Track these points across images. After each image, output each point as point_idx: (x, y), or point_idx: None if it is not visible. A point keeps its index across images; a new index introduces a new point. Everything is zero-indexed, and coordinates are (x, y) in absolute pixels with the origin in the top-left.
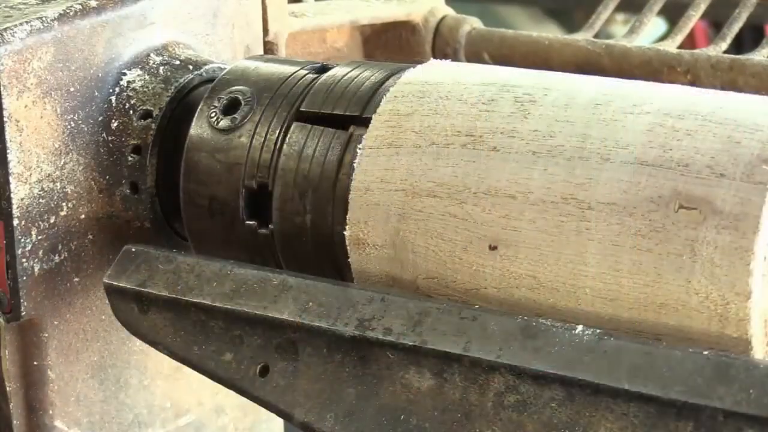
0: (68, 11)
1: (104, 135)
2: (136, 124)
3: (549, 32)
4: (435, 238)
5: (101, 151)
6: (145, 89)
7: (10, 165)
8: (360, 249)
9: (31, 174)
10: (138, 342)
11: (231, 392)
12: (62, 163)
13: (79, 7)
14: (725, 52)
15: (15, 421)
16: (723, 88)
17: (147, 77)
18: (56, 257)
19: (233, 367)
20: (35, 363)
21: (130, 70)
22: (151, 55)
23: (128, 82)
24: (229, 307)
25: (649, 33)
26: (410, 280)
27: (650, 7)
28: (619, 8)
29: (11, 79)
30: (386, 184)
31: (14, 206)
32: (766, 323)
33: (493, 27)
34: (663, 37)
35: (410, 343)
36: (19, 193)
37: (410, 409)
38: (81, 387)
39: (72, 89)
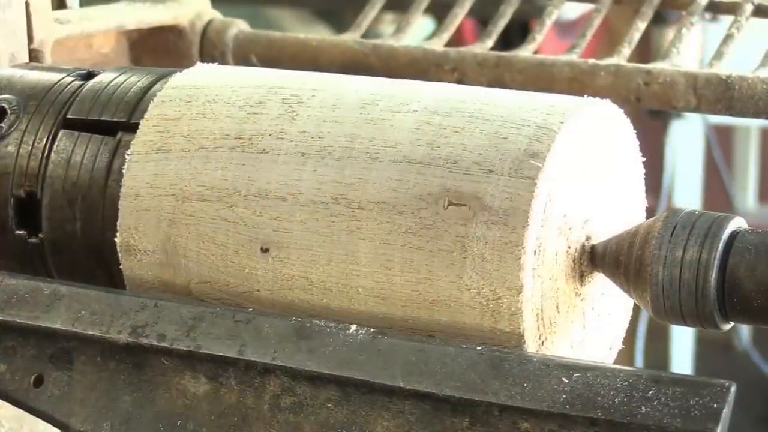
0: None
1: None
2: None
3: (318, 33)
4: (206, 242)
5: None
6: None
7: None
8: (131, 255)
9: None
10: None
11: (6, 404)
12: None
13: None
14: (492, 48)
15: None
16: (490, 85)
17: None
18: None
19: (7, 379)
20: None
21: None
22: None
23: None
24: (1, 318)
25: (416, 32)
26: (183, 285)
27: (417, 6)
28: (387, 8)
29: None
30: (156, 189)
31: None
32: (539, 317)
33: (262, 29)
34: (431, 36)
35: (185, 349)
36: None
37: (187, 415)
38: None
39: None
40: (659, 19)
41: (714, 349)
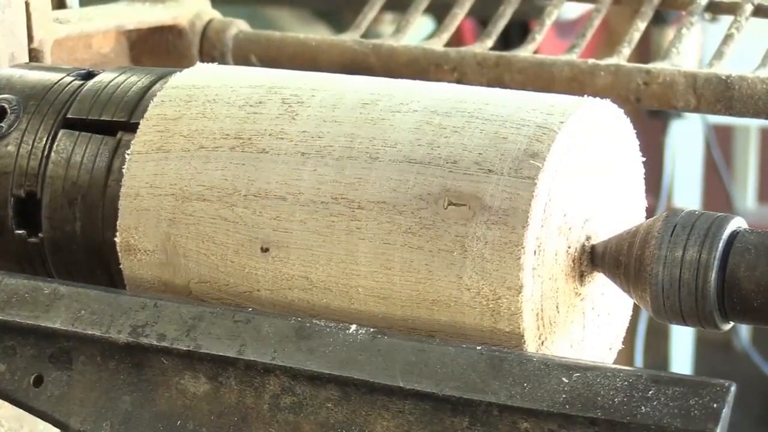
0: None
1: None
2: None
3: (318, 33)
4: (206, 241)
5: None
6: None
7: None
8: (131, 255)
9: None
10: None
11: (6, 403)
12: None
13: None
14: (492, 48)
15: None
16: (490, 85)
17: None
18: None
19: (7, 378)
20: None
21: None
22: None
23: None
24: (1, 317)
25: (416, 32)
26: (183, 284)
27: (416, 6)
28: (386, 8)
29: None
30: (156, 189)
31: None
32: (539, 317)
33: (262, 29)
34: (431, 36)
35: (184, 348)
36: None
37: (187, 415)
38: None
39: None
40: (659, 19)
41: (714, 349)
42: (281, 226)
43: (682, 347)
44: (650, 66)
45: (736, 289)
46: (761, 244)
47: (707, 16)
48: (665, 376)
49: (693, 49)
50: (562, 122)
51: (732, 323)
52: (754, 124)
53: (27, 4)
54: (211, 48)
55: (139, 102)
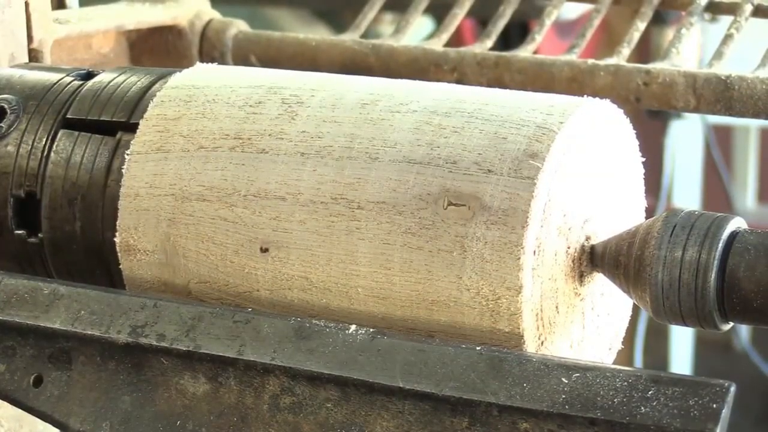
0: None
1: None
2: None
3: (318, 33)
4: (206, 241)
5: None
6: None
7: None
8: (131, 255)
9: None
10: None
11: (5, 403)
12: None
13: None
14: (492, 48)
15: None
16: (489, 85)
17: None
18: None
19: (6, 379)
20: None
21: None
22: None
23: None
24: (1, 318)
25: (416, 32)
26: (182, 285)
27: (416, 6)
28: (386, 8)
29: None
30: (155, 189)
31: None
32: (538, 317)
33: (261, 30)
34: (431, 36)
35: (184, 349)
36: None
37: (186, 415)
38: None
39: None
40: (659, 19)
41: (714, 349)
42: (281, 226)
43: (682, 347)
44: (650, 66)
45: (736, 289)
46: (761, 245)
47: (707, 16)
48: (665, 376)
49: (693, 49)
50: (561, 122)
51: (732, 323)
52: (754, 124)
53: (27, 4)
54: (210, 48)
55: (138, 102)
